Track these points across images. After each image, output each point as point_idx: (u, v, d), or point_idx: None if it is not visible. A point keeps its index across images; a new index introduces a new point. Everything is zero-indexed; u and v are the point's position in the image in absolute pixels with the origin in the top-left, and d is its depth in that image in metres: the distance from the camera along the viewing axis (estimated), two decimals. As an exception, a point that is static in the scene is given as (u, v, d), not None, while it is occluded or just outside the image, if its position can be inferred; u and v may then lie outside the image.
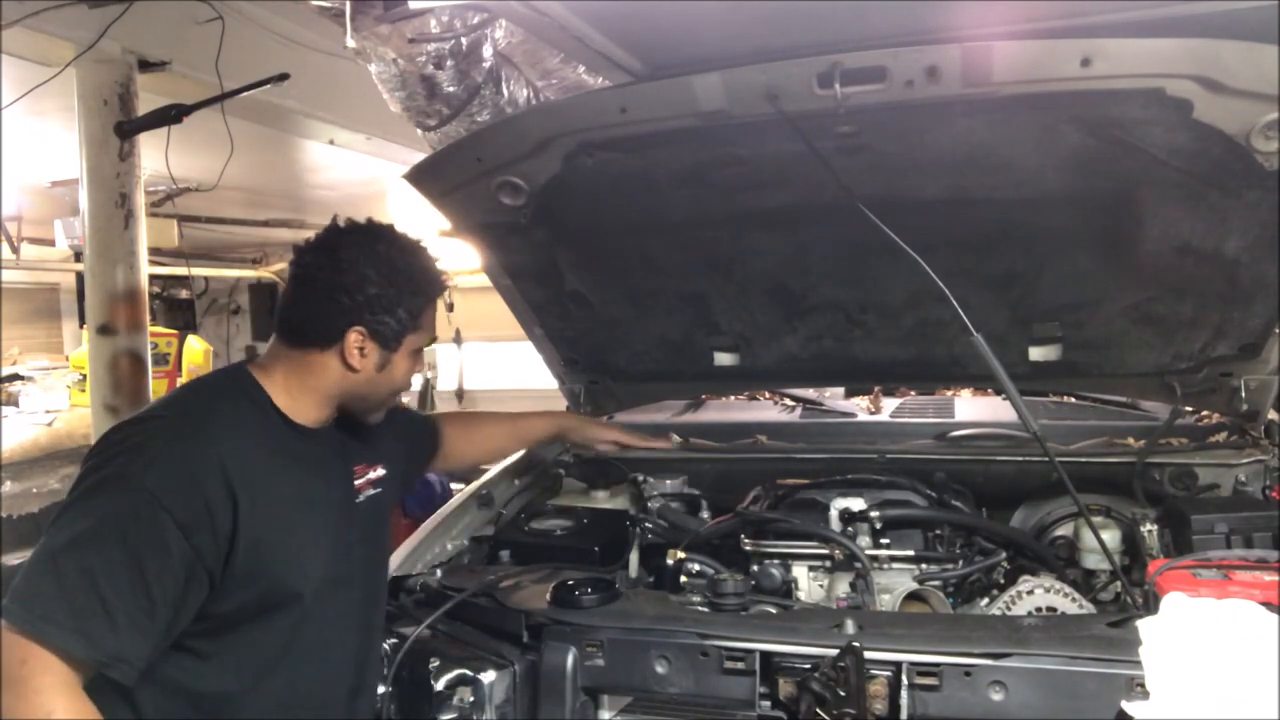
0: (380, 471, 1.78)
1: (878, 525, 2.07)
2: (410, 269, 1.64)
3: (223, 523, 1.43)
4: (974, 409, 2.85)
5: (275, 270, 9.04)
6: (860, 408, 2.93)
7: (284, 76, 3.19)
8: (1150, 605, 1.61)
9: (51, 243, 6.59)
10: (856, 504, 2.10)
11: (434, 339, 1.73)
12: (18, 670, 1.30)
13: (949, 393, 3.05)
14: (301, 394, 1.60)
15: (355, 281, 1.57)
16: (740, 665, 1.59)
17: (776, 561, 2.09)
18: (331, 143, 4.68)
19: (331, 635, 1.63)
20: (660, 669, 1.64)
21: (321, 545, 1.60)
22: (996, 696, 1.48)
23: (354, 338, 1.57)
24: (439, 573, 2.09)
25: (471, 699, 1.71)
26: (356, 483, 1.73)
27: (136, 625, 1.35)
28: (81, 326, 6.88)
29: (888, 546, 2.07)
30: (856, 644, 1.51)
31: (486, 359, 9.61)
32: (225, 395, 1.58)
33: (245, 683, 1.52)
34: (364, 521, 1.72)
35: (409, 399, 7.25)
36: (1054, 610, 1.82)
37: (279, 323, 1.65)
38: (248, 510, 1.45)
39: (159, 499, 1.38)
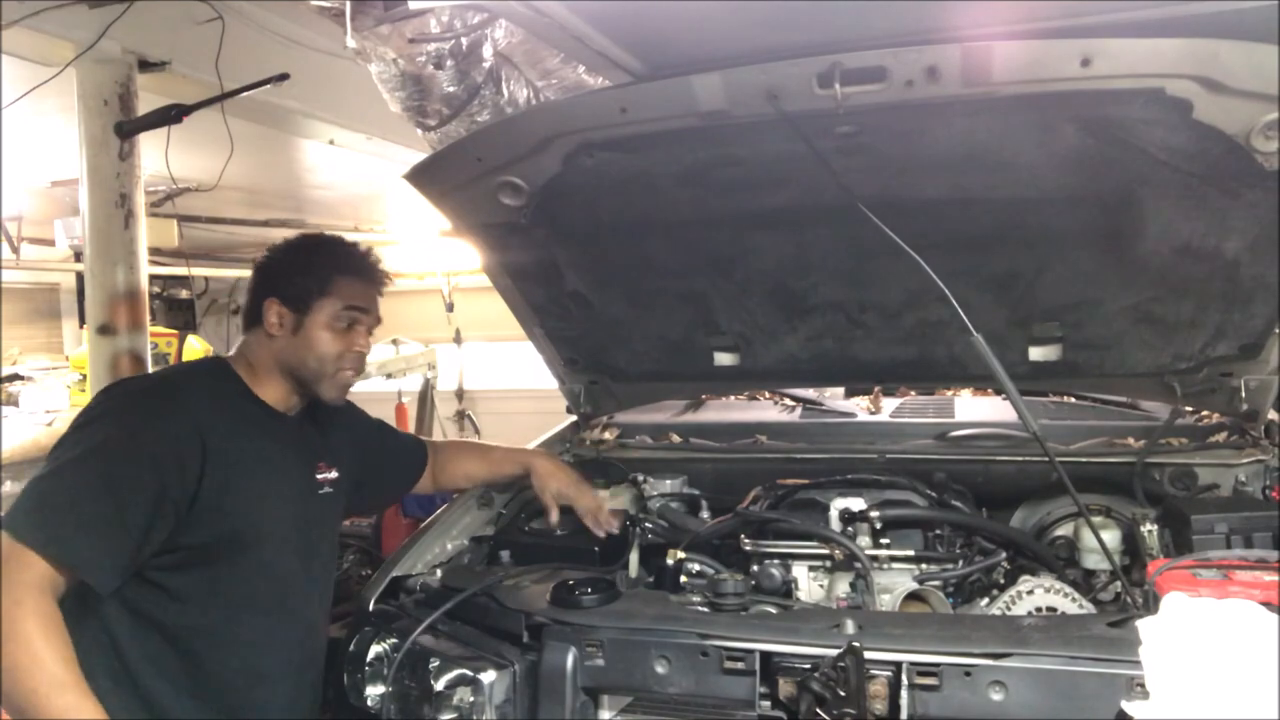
0: (334, 474, 1.99)
1: (878, 525, 2.07)
2: (316, 245, 1.95)
3: (191, 464, 1.66)
4: (974, 409, 2.85)
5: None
6: (860, 408, 2.93)
7: (284, 76, 3.19)
8: (1150, 605, 1.61)
9: (51, 243, 6.59)
10: (856, 504, 2.10)
11: (356, 308, 1.89)
12: (8, 572, 1.51)
13: (949, 393, 3.05)
14: (258, 374, 1.87)
15: (269, 262, 1.91)
16: (740, 665, 1.59)
17: (776, 561, 2.09)
18: (331, 143, 4.68)
19: (291, 597, 1.84)
20: (660, 669, 1.64)
21: (284, 504, 1.84)
22: (996, 696, 1.48)
23: (270, 306, 1.85)
24: (439, 573, 2.09)
25: (471, 699, 1.71)
26: (318, 476, 1.96)
27: (107, 540, 1.58)
28: (81, 326, 6.89)
29: (888, 546, 2.07)
30: (856, 644, 1.51)
31: (486, 359, 9.61)
32: (203, 371, 1.92)
33: (212, 620, 1.73)
34: (321, 511, 1.95)
35: (409, 399, 7.25)
36: (1054, 610, 1.82)
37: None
38: (216, 455, 1.69)
39: (136, 437, 1.65)
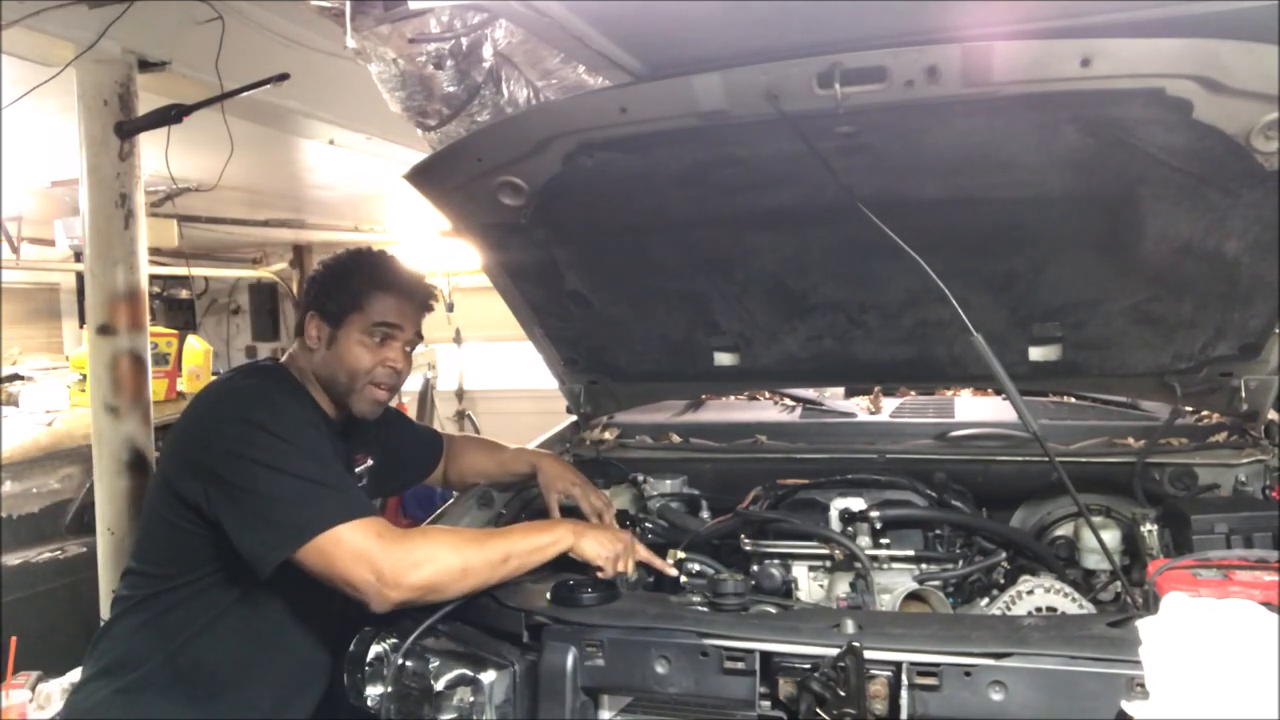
0: (370, 462, 2.14)
1: (878, 525, 2.07)
2: (352, 262, 2.00)
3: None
4: (974, 409, 2.86)
5: (275, 270, 9.04)
6: (860, 408, 2.93)
7: (284, 76, 3.18)
8: (1150, 605, 1.61)
9: (51, 243, 6.58)
10: (856, 504, 2.11)
11: (388, 324, 1.95)
12: (354, 553, 1.63)
13: (949, 393, 3.05)
14: (306, 381, 1.96)
15: (315, 276, 2.01)
16: (740, 665, 1.59)
17: (776, 561, 2.09)
18: (331, 143, 4.67)
19: (325, 602, 1.88)
20: (660, 669, 1.64)
21: None
22: (996, 696, 1.48)
23: (309, 320, 1.95)
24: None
25: (471, 699, 1.71)
26: (356, 470, 2.08)
27: (351, 487, 1.80)
28: (81, 326, 6.88)
29: (888, 546, 2.07)
30: (856, 644, 1.51)
31: (486, 359, 9.61)
32: (272, 378, 1.95)
33: (271, 610, 1.85)
34: None
35: (409, 398, 7.25)
36: (1054, 610, 1.82)
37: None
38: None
39: (299, 416, 1.82)
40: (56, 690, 3.34)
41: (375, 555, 1.63)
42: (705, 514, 2.48)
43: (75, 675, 1.93)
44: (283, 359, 2.03)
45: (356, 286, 1.94)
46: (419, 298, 2.02)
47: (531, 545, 1.80)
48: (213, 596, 1.81)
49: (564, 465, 2.45)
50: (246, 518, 1.67)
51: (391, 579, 1.63)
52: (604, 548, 1.86)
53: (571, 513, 2.29)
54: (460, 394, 9.55)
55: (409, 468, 2.41)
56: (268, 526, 1.66)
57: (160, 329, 5.35)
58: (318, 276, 2.00)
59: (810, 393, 3.04)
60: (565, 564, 2.08)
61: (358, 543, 1.63)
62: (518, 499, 2.54)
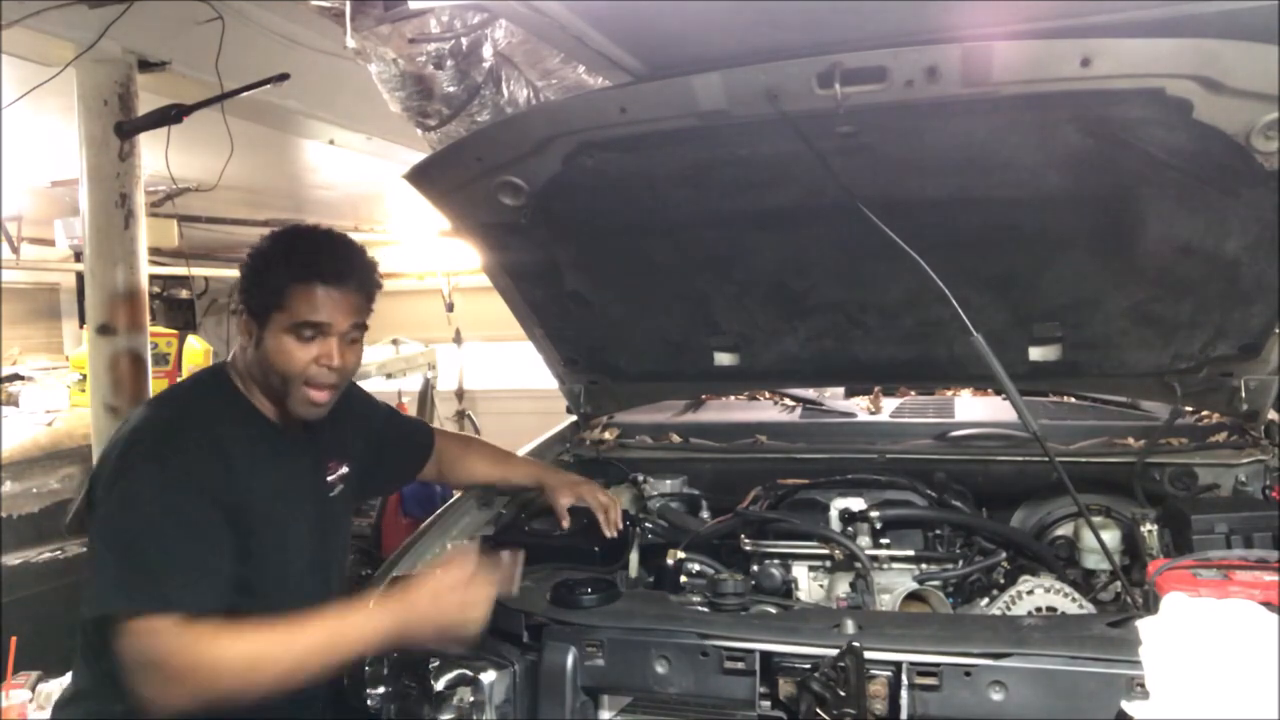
0: (344, 469, 1.94)
1: (878, 525, 2.07)
2: (272, 251, 1.74)
3: (222, 484, 1.63)
4: (974, 409, 2.85)
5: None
6: (860, 408, 2.93)
7: (284, 76, 3.18)
8: (1150, 605, 1.61)
9: (51, 243, 6.58)
10: (856, 504, 2.11)
11: (314, 324, 1.69)
12: (153, 645, 1.49)
13: (949, 393, 3.05)
14: (248, 384, 1.78)
15: (242, 266, 1.76)
16: (740, 665, 1.59)
17: (776, 561, 2.09)
18: (331, 143, 4.67)
19: (309, 603, 1.69)
20: (660, 669, 1.64)
21: (302, 533, 1.79)
22: (996, 696, 1.48)
23: (240, 317, 1.76)
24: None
25: (471, 699, 1.71)
26: (328, 478, 1.90)
27: (203, 575, 1.57)
28: (81, 326, 6.88)
29: (888, 546, 2.07)
30: (856, 644, 1.51)
31: (486, 359, 9.61)
32: (205, 392, 1.80)
33: None
34: (334, 512, 1.92)
35: (409, 399, 7.25)
36: (1054, 610, 1.82)
37: None
38: (235, 476, 1.65)
39: (175, 475, 1.60)
40: (56, 690, 3.34)
41: (162, 661, 1.49)
42: (705, 514, 2.48)
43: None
44: (230, 355, 1.85)
45: (275, 281, 1.69)
46: (351, 285, 1.72)
47: (337, 639, 1.59)
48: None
49: (570, 478, 2.33)
50: (93, 557, 1.60)
51: (174, 687, 1.49)
52: (456, 618, 1.62)
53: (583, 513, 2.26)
54: (460, 394, 9.55)
55: (395, 467, 2.25)
56: (100, 578, 1.56)
57: (160, 329, 5.35)
58: (244, 266, 1.74)
59: (810, 393, 3.04)
60: (565, 565, 2.08)
61: (152, 640, 1.49)
62: (518, 499, 2.54)
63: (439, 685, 1.74)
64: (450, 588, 1.63)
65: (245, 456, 1.69)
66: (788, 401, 3.05)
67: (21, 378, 5.46)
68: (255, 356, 1.73)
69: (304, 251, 1.72)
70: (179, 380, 1.95)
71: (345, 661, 1.64)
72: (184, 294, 9.01)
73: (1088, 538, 2.02)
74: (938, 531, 2.12)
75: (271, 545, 1.70)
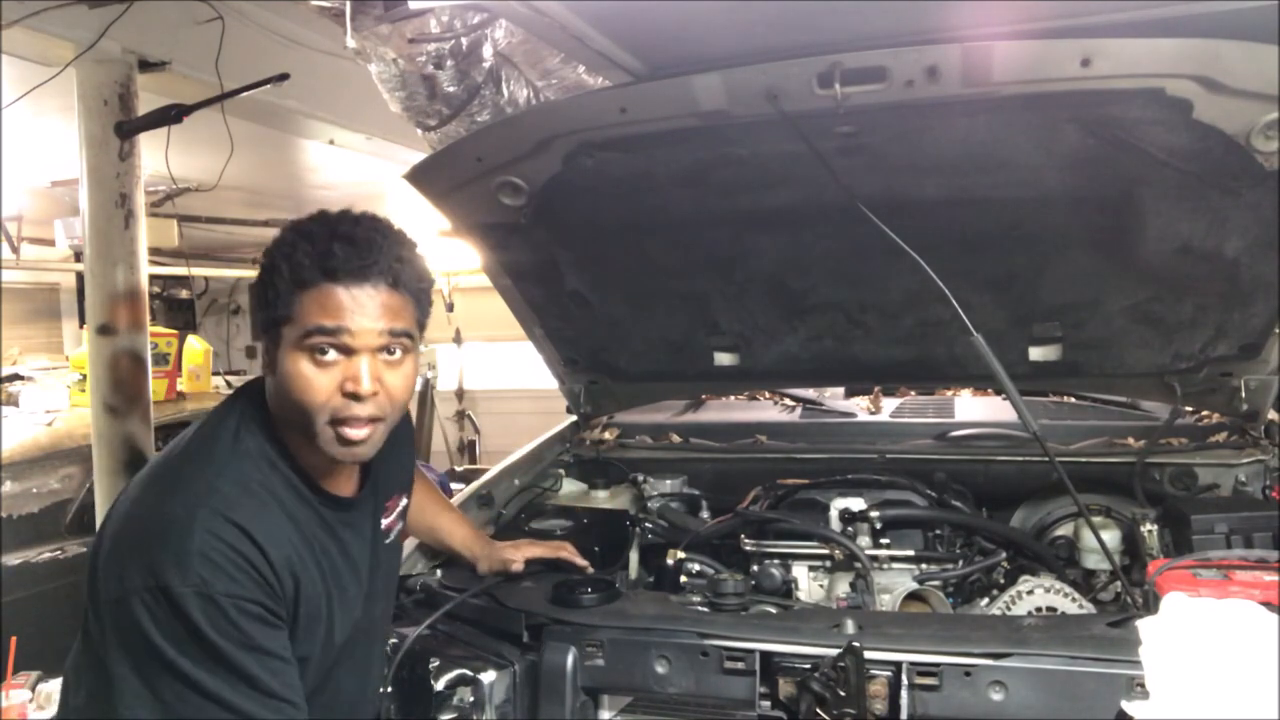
0: (405, 501, 1.65)
1: (878, 525, 2.07)
2: (281, 243, 1.34)
3: (285, 597, 1.30)
4: (974, 409, 2.86)
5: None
6: (860, 408, 2.93)
7: (284, 76, 3.18)
8: (1150, 605, 1.61)
9: (51, 243, 6.58)
10: (856, 504, 2.11)
11: (330, 331, 1.28)
12: None
13: (949, 393, 3.05)
14: (287, 434, 1.37)
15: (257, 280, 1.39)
16: (740, 665, 1.59)
17: (776, 561, 2.09)
18: (331, 143, 4.67)
19: (357, 670, 1.54)
20: (660, 669, 1.64)
21: (353, 605, 1.46)
22: (996, 696, 1.48)
23: (261, 343, 1.38)
24: (439, 573, 2.09)
25: (471, 699, 1.71)
26: (385, 521, 1.55)
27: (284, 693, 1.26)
28: (81, 326, 6.87)
29: (888, 546, 2.07)
30: (856, 644, 1.51)
31: (486, 359, 9.61)
32: (248, 465, 1.33)
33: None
34: (387, 561, 1.59)
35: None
36: (1054, 610, 1.82)
37: None
38: (293, 595, 1.31)
39: (238, 606, 1.22)
40: (56, 690, 3.34)
41: None
42: (705, 514, 2.48)
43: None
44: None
45: (280, 283, 1.30)
46: (383, 280, 1.30)
47: None
48: None
49: (490, 547, 2.05)
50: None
51: None
52: None
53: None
54: (460, 394, 9.56)
55: None
56: None
57: (160, 329, 5.34)
58: (259, 281, 1.36)
59: (810, 393, 3.04)
60: (565, 565, 2.08)
61: None
62: (517, 499, 2.54)
63: (439, 685, 1.73)
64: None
65: (297, 559, 1.32)
66: (788, 401, 3.05)
67: (21, 378, 5.46)
68: (272, 388, 1.34)
69: (317, 238, 1.29)
70: (207, 440, 1.37)
71: None
72: (184, 294, 9.01)
73: (1088, 538, 2.02)
74: (938, 531, 2.12)
75: (321, 632, 1.39)
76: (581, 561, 2.05)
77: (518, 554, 2.01)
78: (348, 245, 1.29)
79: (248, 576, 1.23)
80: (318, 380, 1.29)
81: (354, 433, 1.31)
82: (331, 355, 1.29)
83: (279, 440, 1.36)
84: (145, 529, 1.26)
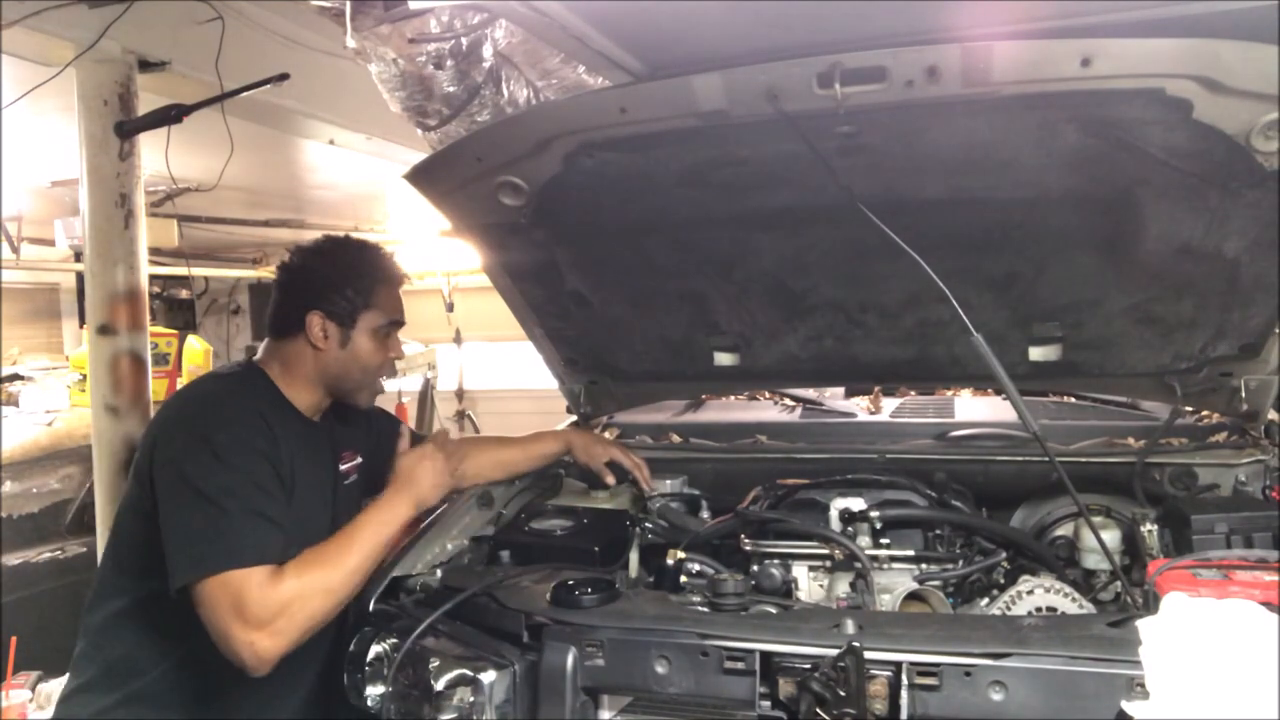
0: (358, 459, 2.06)
1: (878, 525, 2.07)
2: (350, 256, 1.92)
3: (273, 446, 1.75)
4: (974, 409, 2.85)
5: (275, 270, 9.04)
6: (860, 408, 2.93)
7: (284, 76, 3.19)
8: (1150, 605, 1.61)
9: (51, 243, 6.60)
10: (856, 504, 2.10)
11: (396, 321, 1.94)
12: (249, 597, 1.55)
13: (949, 393, 3.05)
14: (294, 382, 1.88)
15: (307, 274, 1.90)
16: (740, 665, 1.59)
17: (776, 561, 2.09)
18: (331, 143, 4.68)
19: None
20: (660, 669, 1.64)
21: (321, 518, 1.87)
22: (996, 696, 1.48)
23: (314, 320, 1.85)
24: (439, 573, 2.09)
25: (471, 699, 1.71)
26: (342, 467, 2.01)
27: (266, 527, 1.64)
28: (81, 326, 6.89)
29: (888, 546, 2.07)
30: (856, 644, 1.51)
31: (486, 359, 9.62)
32: (244, 379, 1.87)
33: None
34: (348, 500, 2.00)
35: (409, 399, 7.25)
36: (1054, 610, 1.82)
37: (267, 323, 1.94)
38: (280, 473, 1.74)
39: (245, 440, 1.69)
40: (56, 690, 3.34)
41: (249, 608, 1.55)
42: (705, 514, 2.48)
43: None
44: (257, 357, 1.94)
45: (363, 283, 1.89)
46: (402, 284, 2.01)
47: (378, 533, 1.77)
48: None
49: (593, 435, 2.56)
50: (167, 532, 1.64)
51: (266, 633, 1.56)
52: (439, 480, 1.91)
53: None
54: (460, 394, 9.56)
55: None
56: (176, 549, 1.61)
57: (160, 329, 5.35)
58: (313, 272, 1.90)
59: (810, 393, 3.04)
60: (565, 565, 2.08)
61: (238, 593, 1.55)
62: (518, 499, 2.54)
63: (439, 685, 1.73)
64: (422, 464, 1.90)
65: (284, 436, 1.78)
66: (788, 401, 3.05)
67: (21, 378, 5.47)
68: (337, 357, 1.87)
69: (383, 256, 1.96)
70: (212, 371, 2.10)
71: (386, 541, 1.80)
72: (184, 294, 9.03)
73: (1088, 538, 2.02)
74: (938, 531, 2.12)
75: (296, 522, 1.74)
76: (648, 485, 2.46)
77: (606, 452, 2.47)
78: (393, 260, 1.98)
79: (262, 436, 1.72)
80: (383, 352, 1.92)
81: (381, 387, 1.99)
82: (387, 335, 1.93)
83: (266, 376, 1.87)
84: (185, 411, 1.79)
